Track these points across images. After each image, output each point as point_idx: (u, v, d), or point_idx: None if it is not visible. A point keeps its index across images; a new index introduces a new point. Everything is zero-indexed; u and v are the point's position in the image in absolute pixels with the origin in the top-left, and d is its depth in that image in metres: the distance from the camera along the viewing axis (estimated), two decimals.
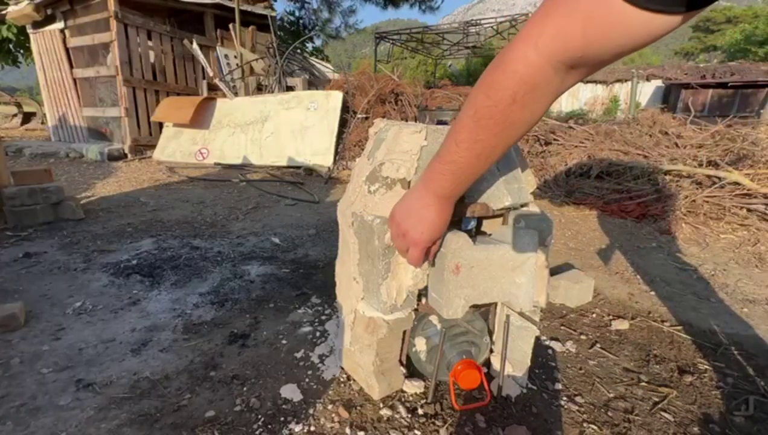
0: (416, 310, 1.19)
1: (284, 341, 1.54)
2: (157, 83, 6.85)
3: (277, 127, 5.64)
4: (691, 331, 1.70)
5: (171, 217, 3.17)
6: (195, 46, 7.00)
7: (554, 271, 2.02)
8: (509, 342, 1.19)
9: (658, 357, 1.51)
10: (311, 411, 1.18)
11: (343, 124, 5.63)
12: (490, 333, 1.30)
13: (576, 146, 4.48)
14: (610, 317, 1.80)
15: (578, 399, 1.27)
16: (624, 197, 3.58)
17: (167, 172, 5.03)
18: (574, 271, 2.07)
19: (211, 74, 6.90)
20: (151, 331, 1.59)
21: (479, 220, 1.17)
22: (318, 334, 1.59)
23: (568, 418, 1.19)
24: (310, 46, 13.56)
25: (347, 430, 1.11)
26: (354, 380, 1.31)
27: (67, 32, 6.91)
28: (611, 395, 1.30)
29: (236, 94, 6.57)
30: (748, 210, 3.25)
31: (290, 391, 1.25)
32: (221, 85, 6.65)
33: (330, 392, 1.26)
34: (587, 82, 17.19)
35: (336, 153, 5.34)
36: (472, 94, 0.68)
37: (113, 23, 6.08)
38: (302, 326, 1.64)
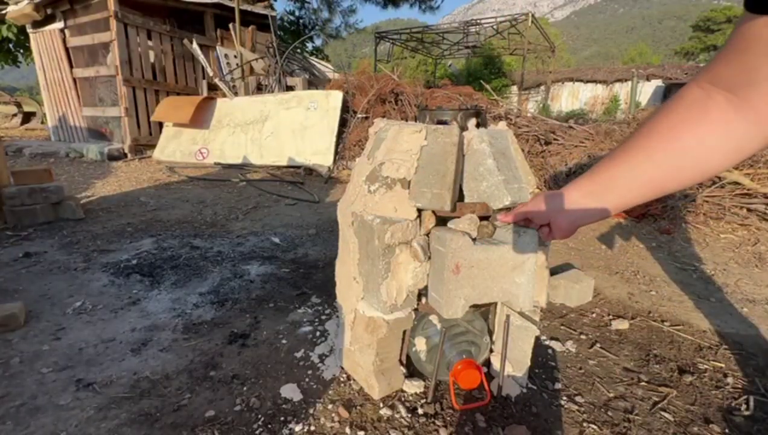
0: (416, 309, 1.19)
1: (284, 341, 1.54)
2: (157, 83, 6.84)
3: (277, 127, 5.63)
4: (691, 331, 1.70)
5: (171, 216, 3.17)
6: (195, 45, 6.99)
7: (554, 271, 2.02)
8: (509, 342, 1.19)
9: (658, 357, 1.51)
10: (311, 411, 1.18)
11: (343, 123, 5.62)
12: (490, 333, 1.30)
13: (576, 146, 4.48)
14: (610, 317, 1.80)
15: (578, 399, 1.27)
16: None
17: (167, 172, 5.03)
18: (574, 271, 2.07)
19: (211, 74, 6.89)
20: (151, 330, 1.59)
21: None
22: (318, 333, 1.59)
23: (568, 418, 1.19)
24: (310, 45, 13.55)
25: (347, 430, 1.11)
26: (354, 380, 1.31)
27: (67, 32, 6.90)
28: (611, 395, 1.30)
29: (236, 94, 6.57)
30: (748, 210, 3.24)
31: (290, 391, 1.25)
32: (221, 85, 6.65)
33: (330, 392, 1.26)
34: (587, 81, 17.19)
35: (336, 153, 5.34)
36: None
37: (113, 23, 6.07)
38: (302, 326, 1.64)
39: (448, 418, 1.16)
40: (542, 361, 1.46)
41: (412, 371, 1.29)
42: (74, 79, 7.03)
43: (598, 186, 0.70)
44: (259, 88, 6.75)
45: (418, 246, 1.09)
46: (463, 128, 1.16)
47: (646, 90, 15.37)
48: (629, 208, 0.79)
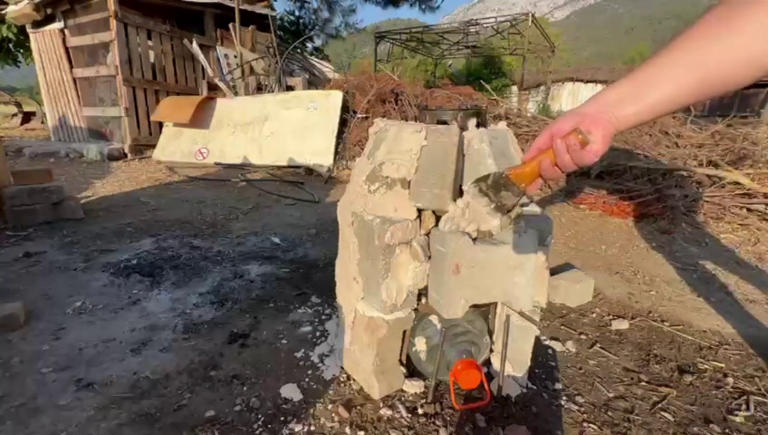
0: (416, 309, 1.19)
1: (284, 341, 1.54)
2: (157, 83, 6.84)
3: (277, 127, 5.63)
4: (691, 331, 1.70)
5: (171, 216, 3.17)
6: (195, 45, 6.99)
7: (554, 271, 2.02)
8: (509, 342, 1.19)
9: (658, 357, 1.51)
10: (311, 411, 1.18)
11: (343, 123, 5.62)
12: (490, 333, 1.30)
13: None
14: (610, 317, 1.80)
15: (578, 399, 1.27)
16: (624, 197, 3.59)
17: (167, 172, 5.03)
18: (574, 271, 2.07)
19: (211, 74, 6.89)
20: (151, 330, 1.59)
21: None
22: (318, 333, 1.59)
23: (568, 418, 1.19)
24: (310, 45, 13.54)
25: (347, 430, 1.11)
26: (354, 380, 1.31)
27: (66, 32, 6.90)
28: (611, 395, 1.30)
29: (236, 94, 6.57)
30: (748, 210, 3.24)
31: (290, 391, 1.25)
32: (221, 85, 6.64)
33: (330, 392, 1.26)
34: (587, 82, 17.22)
35: (336, 153, 5.34)
36: None
37: (113, 23, 6.07)
38: (302, 326, 1.64)
39: (448, 418, 1.16)
40: (542, 361, 1.46)
41: (412, 371, 1.28)
42: (74, 79, 7.03)
43: (636, 86, 0.62)
44: (259, 88, 6.75)
45: (418, 246, 1.09)
46: (463, 128, 1.16)
47: None
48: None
